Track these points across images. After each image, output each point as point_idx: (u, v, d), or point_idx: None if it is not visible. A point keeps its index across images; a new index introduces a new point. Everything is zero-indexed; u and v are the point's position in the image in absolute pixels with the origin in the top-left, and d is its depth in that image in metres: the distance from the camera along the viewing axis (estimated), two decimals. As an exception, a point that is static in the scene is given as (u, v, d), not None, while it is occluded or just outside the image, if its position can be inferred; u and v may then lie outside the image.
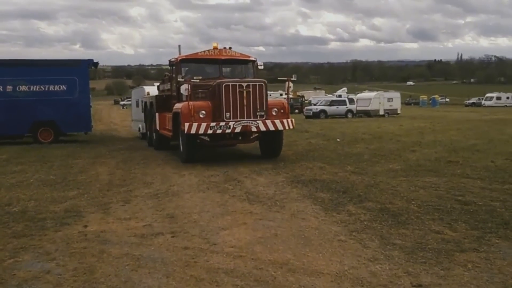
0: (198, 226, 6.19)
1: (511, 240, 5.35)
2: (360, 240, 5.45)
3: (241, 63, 13.93)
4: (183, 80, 11.96)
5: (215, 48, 13.33)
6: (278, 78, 12.60)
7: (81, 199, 7.97)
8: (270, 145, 12.55)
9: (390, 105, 42.35)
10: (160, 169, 11.09)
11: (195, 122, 10.97)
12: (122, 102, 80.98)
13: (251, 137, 12.29)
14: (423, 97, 75.94)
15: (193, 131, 10.92)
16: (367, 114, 40.77)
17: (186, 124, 10.91)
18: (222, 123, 11.04)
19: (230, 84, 11.28)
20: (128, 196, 8.14)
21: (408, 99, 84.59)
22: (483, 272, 4.48)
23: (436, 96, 76.86)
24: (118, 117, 41.21)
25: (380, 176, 9.30)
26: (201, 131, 10.98)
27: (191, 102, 11.22)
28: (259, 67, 13.89)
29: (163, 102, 14.74)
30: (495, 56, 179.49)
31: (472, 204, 6.92)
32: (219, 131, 11.08)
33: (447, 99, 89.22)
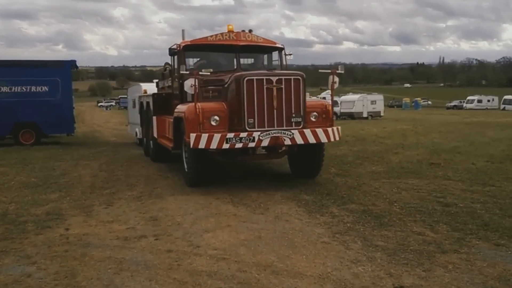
0: (181, 228, 6.17)
1: (491, 242, 5.43)
2: (343, 242, 5.49)
3: (265, 51, 10.99)
4: (187, 73, 8.90)
5: (230, 31, 10.26)
6: (320, 70, 9.57)
7: (63, 201, 7.87)
8: (306, 162, 9.46)
9: (374, 108, 42.75)
10: (144, 171, 11.02)
11: (205, 132, 7.97)
12: (100, 104, 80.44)
13: (280, 150, 9.02)
14: (406, 100, 76.72)
15: (202, 145, 7.90)
16: (350, 116, 41.08)
17: (193, 136, 7.93)
18: (243, 134, 7.95)
19: (255, 78, 8.18)
20: (111, 198, 8.07)
21: (391, 101, 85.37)
22: (463, 273, 4.54)
23: (418, 99, 77.75)
24: (101, 119, 40.87)
25: (363, 178, 9.37)
26: (214, 145, 7.90)
27: (199, 104, 8.13)
28: (288, 57, 10.99)
29: (163, 102, 11.65)
30: (476, 59, 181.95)
31: (453, 206, 7.01)
32: (238, 145, 7.96)
33: (429, 102, 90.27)
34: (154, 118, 11.85)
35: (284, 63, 10.86)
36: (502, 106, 64.42)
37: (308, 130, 8.38)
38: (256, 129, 8.12)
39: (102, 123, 34.86)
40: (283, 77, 8.29)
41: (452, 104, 74.94)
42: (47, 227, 6.31)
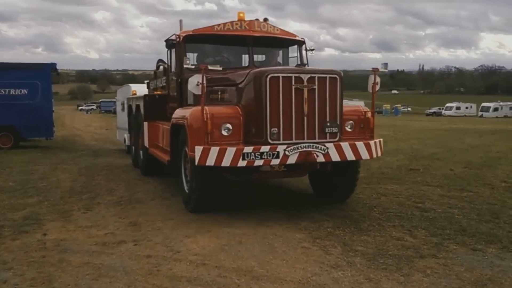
0: (161, 233, 6.13)
1: (468, 247, 5.52)
2: (323, 247, 5.51)
3: (282, 45, 9.31)
4: (193, 67, 7.50)
5: (241, 20, 8.57)
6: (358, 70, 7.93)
7: (41, 206, 7.75)
8: (336, 182, 7.68)
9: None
10: (124, 176, 10.92)
11: (214, 145, 6.32)
12: (81, 107, 79.55)
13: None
14: (386, 106, 77.60)
15: (210, 161, 6.22)
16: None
17: (198, 149, 6.26)
18: (264, 148, 6.25)
19: (281, 75, 6.48)
20: (90, 203, 7.97)
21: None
22: (441, 278, 4.59)
23: (398, 105, 78.69)
24: (81, 123, 40.40)
25: (344, 184, 9.42)
26: (227, 161, 6.20)
27: (207, 108, 6.46)
28: (310, 53, 9.27)
29: (156, 105, 10.07)
30: (455, 67, 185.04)
31: (431, 211, 7.11)
32: (258, 163, 6.28)
33: (409, 108, 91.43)
34: (146, 124, 10.20)
35: (305, 61, 9.16)
36: (479, 113, 65.67)
37: (346, 143, 6.67)
38: (281, 141, 6.42)
39: (82, 127, 34.47)
40: (316, 75, 6.61)
41: (432, 111, 76.04)
42: (24, 232, 6.20)
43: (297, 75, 6.56)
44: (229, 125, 6.55)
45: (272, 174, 7.24)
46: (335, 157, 6.57)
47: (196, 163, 6.32)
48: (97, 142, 21.53)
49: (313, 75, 6.61)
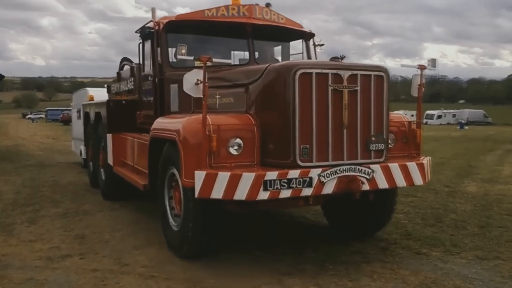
0: (109, 246, 5.97)
1: (413, 251, 5.69)
2: (274, 255, 5.52)
3: (287, 38, 7.62)
4: (190, 58, 5.32)
5: (237, 4, 7.00)
6: (402, 65, 5.86)
7: (-20, 220, 7.38)
8: (370, 210, 5.88)
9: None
10: (71, 187, 10.57)
11: (222, 169, 4.65)
12: (28, 116, 76.53)
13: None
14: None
15: (218, 193, 4.52)
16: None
17: (200, 175, 4.56)
18: (293, 173, 4.58)
19: (314, 72, 4.80)
20: (35, 216, 7.66)
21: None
22: (388, 282, 4.71)
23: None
24: (27, 132, 38.85)
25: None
26: (242, 194, 4.47)
27: (210, 117, 4.77)
28: (319, 49, 7.70)
29: (122, 113, 8.24)
30: (400, 76, 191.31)
31: (379, 217, 7.28)
32: (285, 194, 4.55)
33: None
34: (109, 136, 8.24)
35: (314, 58, 7.61)
36: (424, 121, 68.18)
37: (396, 165, 5.07)
38: (314, 163, 4.72)
39: (27, 136, 33.13)
40: (359, 72, 4.96)
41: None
42: (-39, 249, 5.89)
43: (335, 71, 4.84)
44: (239, 141, 4.77)
45: (286, 202, 5.14)
46: (382, 183, 4.95)
47: (196, 195, 4.53)
48: (43, 152, 20.73)
49: (355, 72, 4.92)
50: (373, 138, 5.05)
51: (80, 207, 8.31)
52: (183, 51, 5.33)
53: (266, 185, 4.42)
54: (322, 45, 7.66)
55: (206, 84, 4.69)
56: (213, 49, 7.04)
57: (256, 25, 6.92)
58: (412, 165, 5.17)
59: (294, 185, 4.53)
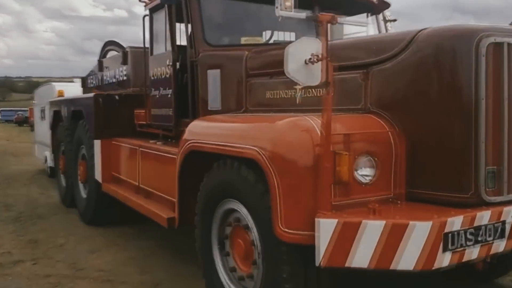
0: (63, 250, 5.82)
1: None
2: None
3: (349, 10, 5.31)
4: (302, 15, 3.33)
5: None
6: None
7: None
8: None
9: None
10: (25, 190, 10.23)
11: (360, 215, 2.69)
12: None
13: None
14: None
15: (361, 260, 2.58)
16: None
17: (327, 226, 2.63)
18: (481, 215, 2.71)
19: (508, 41, 2.87)
20: (-16, 221, 7.38)
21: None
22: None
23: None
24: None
25: None
26: (408, 261, 2.51)
27: (342, 116, 3.09)
28: (389, 26, 5.66)
29: (116, 112, 6.47)
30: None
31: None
32: (472, 254, 2.69)
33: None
34: (98, 143, 6.42)
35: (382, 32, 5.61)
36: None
37: None
38: (506, 196, 2.96)
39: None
40: None
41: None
42: None
43: None
44: (371, 159, 2.97)
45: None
46: None
47: (320, 262, 2.67)
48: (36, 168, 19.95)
49: None
50: None
51: (33, 211, 8.06)
52: (289, 2, 3.21)
53: (447, 241, 2.57)
54: (394, 20, 5.88)
55: (329, 61, 2.74)
56: (257, 23, 5.18)
57: None
58: None
59: (483, 238, 2.73)
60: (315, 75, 2.80)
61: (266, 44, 4.17)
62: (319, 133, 2.78)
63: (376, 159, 2.96)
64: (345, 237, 2.60)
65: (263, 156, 2.93)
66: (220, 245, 3.73)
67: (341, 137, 2.83)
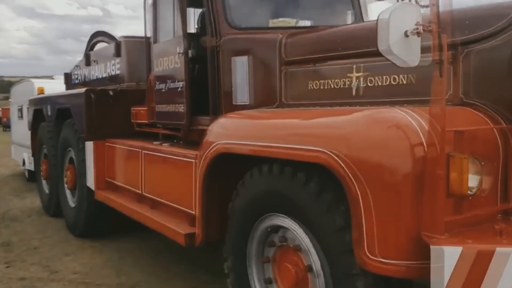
0: (38, 253, 5.72)
1: None
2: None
3: None
4: None
5: None
6: None
7: None
8: None
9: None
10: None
11: (487, 240, 2.09)
12: None
13: None
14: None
15: None
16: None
17: (451, 255, 1.95)
18: None
19: None
20: (-45, 224, 7.20)
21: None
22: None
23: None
24: None
25: None
26: None
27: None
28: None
29: (110, 110, 5.70)
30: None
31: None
32: None
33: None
34: (90, 145, 5.70)
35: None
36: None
37: None
38: None
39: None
40: None
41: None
42: None
43: None
44: (477, 164, 2.31)
45: None
46: None
47: None
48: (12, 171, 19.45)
49: None
50: None
51: (6, 213, 7.91)
52: None
53: None
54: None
55: (440, 31, 2.11)
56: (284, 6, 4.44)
57: None
58: None
59: None
60: (415, 53, 2.21)
61: (302, 27, 3.57)
62: (426, 129, 2.14)
63: (483, 163, 2.29)
64: (477, 271, 1.96)
65: (339, 160, 2.26)
66: (257, 270, 3.11)
67: (451, 135, 2.13)
